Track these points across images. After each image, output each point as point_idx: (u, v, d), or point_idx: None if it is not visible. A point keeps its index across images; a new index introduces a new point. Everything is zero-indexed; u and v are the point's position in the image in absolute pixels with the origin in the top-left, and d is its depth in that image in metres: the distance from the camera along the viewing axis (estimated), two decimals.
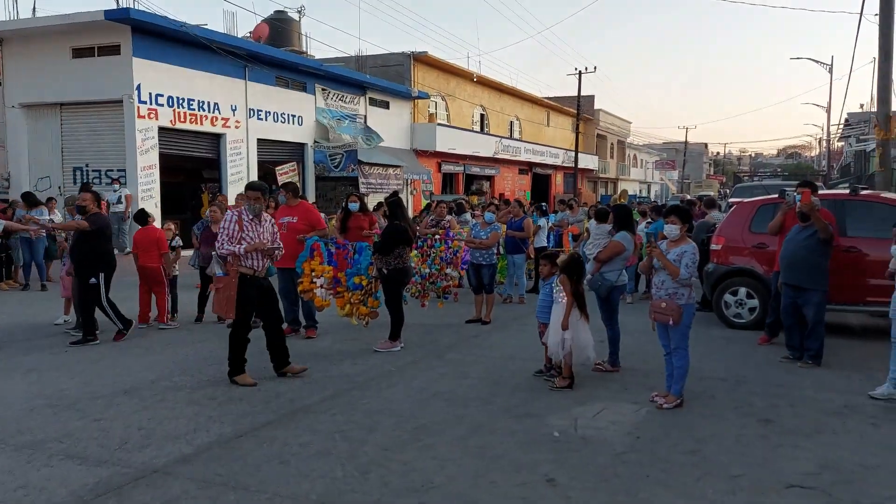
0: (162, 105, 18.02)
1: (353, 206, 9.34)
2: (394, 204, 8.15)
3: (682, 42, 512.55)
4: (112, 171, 17.86)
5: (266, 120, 21.74)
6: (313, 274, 8.29)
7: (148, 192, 17.64)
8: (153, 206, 16.99)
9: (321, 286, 8.27)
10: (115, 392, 6.11)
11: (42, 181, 18.51)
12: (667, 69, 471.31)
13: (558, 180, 45.58)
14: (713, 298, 9.37)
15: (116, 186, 16.86)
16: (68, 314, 9.28)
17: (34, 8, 25.26)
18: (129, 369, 6.91)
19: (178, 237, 9.88)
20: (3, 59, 18.68)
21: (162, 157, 18.21)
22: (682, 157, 76.24)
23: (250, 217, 6.42)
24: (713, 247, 9.45)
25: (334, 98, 25.11)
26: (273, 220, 6.79)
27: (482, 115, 37.57)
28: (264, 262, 6.47)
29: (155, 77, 17.78)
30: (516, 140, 39.07)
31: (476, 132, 34.96)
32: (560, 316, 6.21)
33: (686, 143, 77.20)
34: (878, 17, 13.20)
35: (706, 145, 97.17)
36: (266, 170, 22.01)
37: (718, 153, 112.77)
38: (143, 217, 9.43)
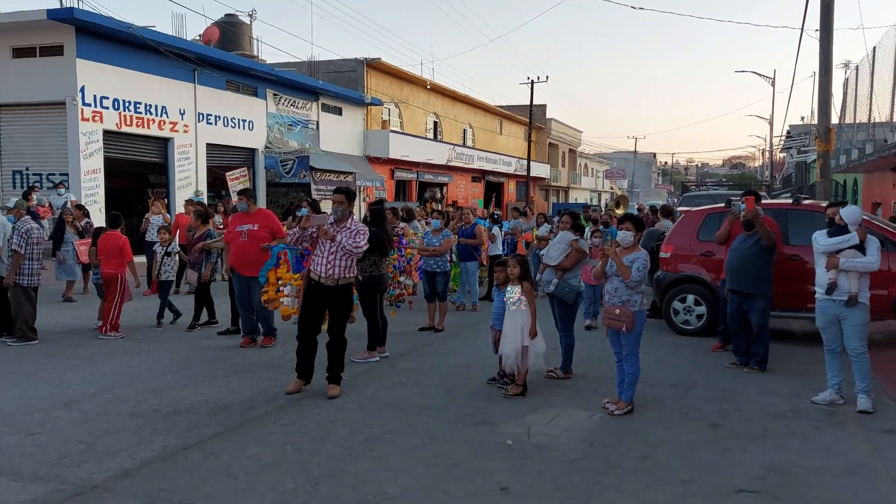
0: (107, 108, 17.54)
1: (304, 212, 9.20)
2: (375, 211, 7.95)
3: (632, 54, 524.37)
4: (54, 174, 17.28)
5: (216, 124, 21.38)
6: (280, 282, 8.12)
7: (92, 197, 17.12)
8: (97, 212, 16.49)
9: (288, 294, 8.11)
10: (53, 405, 5.87)
11: None
12: (617, 80, 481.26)
13: (511, 188, 45.94)
14: (662, 305, 9.52)
15: (62, 191, 16.28)
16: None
17: None
18: (67, 382, 6.65)
19: (174, 242, 9.63)
20: None
21: (107, 160, 17.71)
22: (631, 166, 77.69)
23: (331, 220, 6.29)
24: (662, 255, 9.61)
25: (286, 103, 24.81)
26: (364, 228, 6.49)
27: (435, 123, 37.64)
28: (331, 270, 6.16)
29: (100, 79, 17.30)
30: (469, 148, 39.26)
31: (429, 139, 34.99)
32: (518, 323, 6.21)
33: (635, 152, 78.76)
34: (818, 33, 13.63)
35: (654, 155, 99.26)
36: (216, 175, 21.61)
37: (666, 163, 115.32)
38: (111, 221, 9.22)
